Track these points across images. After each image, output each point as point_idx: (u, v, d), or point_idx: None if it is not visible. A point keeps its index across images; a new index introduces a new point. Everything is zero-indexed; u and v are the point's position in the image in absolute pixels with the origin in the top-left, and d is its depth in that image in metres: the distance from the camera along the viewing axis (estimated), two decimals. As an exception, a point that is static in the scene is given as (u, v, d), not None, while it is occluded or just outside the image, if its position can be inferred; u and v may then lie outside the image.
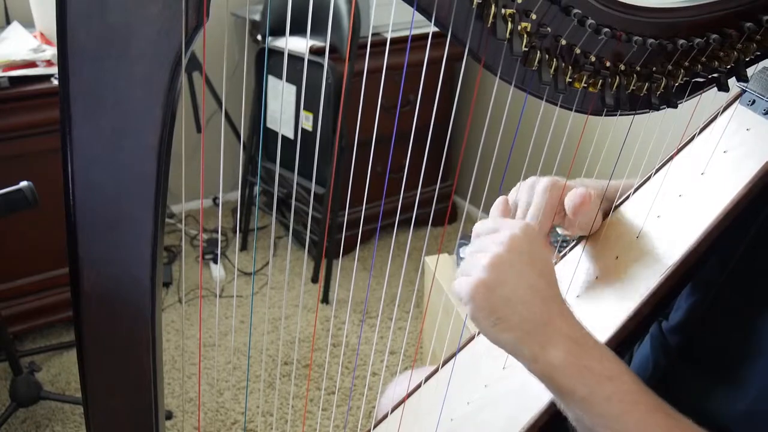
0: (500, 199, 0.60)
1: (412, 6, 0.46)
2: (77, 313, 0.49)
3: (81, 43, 0.41)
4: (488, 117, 0.65)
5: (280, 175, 1.96)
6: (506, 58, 0.49)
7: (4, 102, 1.35)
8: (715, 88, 0.53)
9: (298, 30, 1.69)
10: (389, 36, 1.74)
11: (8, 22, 1.63)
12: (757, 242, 0.57)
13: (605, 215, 0.66)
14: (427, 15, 0.46)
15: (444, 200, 2.21)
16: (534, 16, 0.48)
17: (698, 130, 0.63)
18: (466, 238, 1.48)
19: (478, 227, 0.53)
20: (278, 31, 1.76)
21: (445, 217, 2.20)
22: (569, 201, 0.61)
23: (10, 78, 1.36)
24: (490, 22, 0.47)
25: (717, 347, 0.60)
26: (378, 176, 1.96)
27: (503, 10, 0.47)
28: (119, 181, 0.46)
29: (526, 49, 0.48)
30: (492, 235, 0.51)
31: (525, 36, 0.48)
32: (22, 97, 1.36)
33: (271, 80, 1.82)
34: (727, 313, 0.60)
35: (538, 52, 0.49)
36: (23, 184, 1.05)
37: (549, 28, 0.48)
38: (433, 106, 0.65)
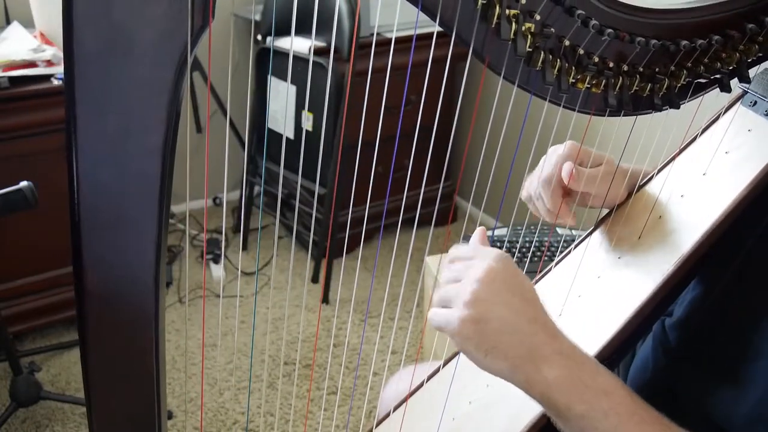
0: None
1: (417, 6, 0.46)
2: (81, 313, 0.49)
3: (87, 44, 0.41)
4: (491, 117, 0.65)
5: (279, 174, 1.96)
6: (510, 58, 0.49)
7: (4, 102, 1.35)
8: (717, 89, 0.54)
9: (299, 30, 1.70)
10: (389, 36, 1.74)
11: (8, 22, 1.63)
12: (760, 243, 0.57)
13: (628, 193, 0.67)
14: (432, 15, 0.47)
15: (446, 200, 2.21)
16: (538, 17, 0.48)
17: (700, 131, 0.64)
18: (468, 238, 1.48)
19: (454, 252, 0.54)
20: (279, 31, 1.76)
21: (446, 217, 2.20)
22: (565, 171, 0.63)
23: (10, 78, 1.35)
24: (494, 22, 0.47)
25: (718, 348, 0.60)
26: (379, 176, 1.96)
27: (507, 11, 0.47)
28: (123, 182, 0.46)
29: (530, 50, 0.49)
30: (468, 263, 0.51)
31: (529, 36, 0.48)
32: (22, 97, 1.36)
33: (272, 80, 1.82)
34: (729, 314, 0.60)
35: (542, 52, 0.49)
36: (23, 184, 1.05)
37: (553, 29, 0.48)
38: (436, 106, 0.66)
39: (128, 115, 0.44)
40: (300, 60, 1.73)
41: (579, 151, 0.66)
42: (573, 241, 0.70)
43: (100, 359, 0.51)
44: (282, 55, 1.77)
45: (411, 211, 2.08)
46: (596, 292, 0.62)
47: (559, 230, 1.31)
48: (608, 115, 0.53)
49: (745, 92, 0.60)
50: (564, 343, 0.50)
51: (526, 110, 0.53)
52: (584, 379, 0.48)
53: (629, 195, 0.67)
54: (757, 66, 0.54)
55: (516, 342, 0.48)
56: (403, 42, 1.65)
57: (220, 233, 2.15)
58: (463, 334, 0.49)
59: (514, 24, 0.47)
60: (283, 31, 1.72)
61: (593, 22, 0.48)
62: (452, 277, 0.51)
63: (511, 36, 0.47)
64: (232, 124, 1.98)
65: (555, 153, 0.67)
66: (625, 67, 0.51)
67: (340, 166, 1.82)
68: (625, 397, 0.49)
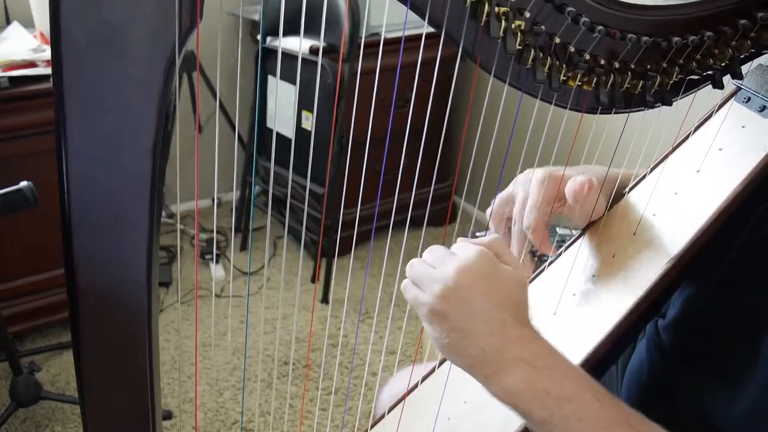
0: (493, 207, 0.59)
1: (406, 5, 0.46)
2: (73, 313, 0.49)
3: (74, 42, 0.41)
4: (483, 116, 0.65)
5: (278, 174, 1.96)
6: (500, 56, 0.49)
7: (4, 102, 1.36)
8: (710, 86, 0.53)
9: (297, 30, 1.70)
10: (387, 36, 1.74)
11: (8, 22, 1.63)
12: (753, 240, 0.57)
13: (607, 202, 0.65)
14: (421, 14, 0.46)
15: (443, 200, 2.21)
16: (528, 14, 0.47)
17: (693, 128, 0.63)
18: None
19: (449, 248, 0.52)
20: (277, 31, 1.76)
21: (443, 216, 2.20)
22: (570, 189, 0.61)
23: (10, 78, 1.36)
24: (483, 20, 0.47)
25: (712, 347, 0.60)
26: (376, 176, 1.95)
27: (497, 9, 0.47)
28: (115, 181, 0.46)
29: (520, 48, 0.48)
30: (449, 254, 0.50)
31: (519, 34, 0.48)
32: (22, 97, 1.37)
33: (270, 80, 1.82)
34: (723, 312, 0.60)
35: (532, 50, 0.49)
36: (23, 184, 1.06)
37: (543, 26, 0.48)
38: (437, 106, 0.65)
39: (117, 114, 0.44)
40: (298, 60, 1.73)
41: (561, 179, 0.62)
42: (567, 239, 0.70)
43: (94, 357, 0.51)
44: (282, 54, 1.77)
45: (408, 211, 2.08)
46: (592, 291, 0.62)
47: (558, 230, 1.30)
48: (600, 113, 0.53)
49: (738, 88, 0.59)
50: (527, 348, 0.48)
51: (517, 109, 0.52)
52: (545, 386, 0.47)
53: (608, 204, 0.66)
54: (750, 62, 0.54)
55: (469, 343, 0.48)
56: (400, 42, 1.65)
57: (219, 233, 2.15)
58: (427, 320, 0.50)
59: (503, 22, 0.47)
60: (283, 31, 1.72)
61: (584, 19, 0.48)
62: (429, 260, 0.51)
63: (501, 34, 0.47)
64: (231, 123, 1.98)
65: (534, 179, 0.63)
66: (617, 65, 0.51)
67: (339, 166, 1.82)
68: (590, 402, 0.47)
